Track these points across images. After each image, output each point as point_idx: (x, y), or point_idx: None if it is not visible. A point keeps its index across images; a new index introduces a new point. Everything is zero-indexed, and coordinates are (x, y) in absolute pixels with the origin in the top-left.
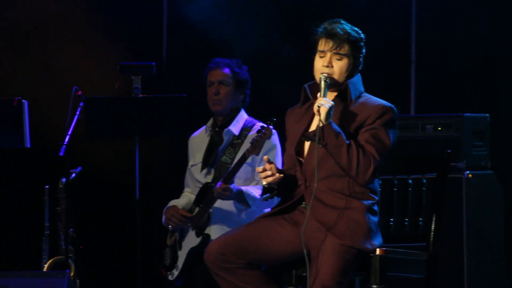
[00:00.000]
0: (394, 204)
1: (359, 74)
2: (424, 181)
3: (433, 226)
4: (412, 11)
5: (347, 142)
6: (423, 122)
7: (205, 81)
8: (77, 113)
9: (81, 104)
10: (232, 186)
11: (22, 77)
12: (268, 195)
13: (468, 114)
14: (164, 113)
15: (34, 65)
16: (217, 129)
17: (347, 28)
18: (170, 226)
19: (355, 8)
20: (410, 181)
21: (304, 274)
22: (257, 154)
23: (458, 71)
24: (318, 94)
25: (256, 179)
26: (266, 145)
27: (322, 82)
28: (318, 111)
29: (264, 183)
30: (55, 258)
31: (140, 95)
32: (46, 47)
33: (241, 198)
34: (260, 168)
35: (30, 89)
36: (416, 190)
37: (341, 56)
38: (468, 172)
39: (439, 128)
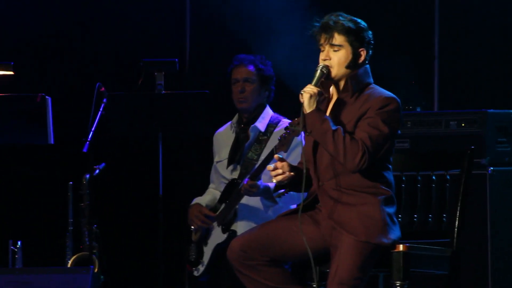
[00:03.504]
0: (418, 200)
1: (366, 66)
2: (448, 177)
3: (456, 223)
4: (435, 6)
5: (334, 128)
6: (446, 118)
7: (229, 78)
8: (100, 109)
9: (104, 100)
10: (259, 182)
11: (46, 74)
12: (280, 191)
13: (491, 110)
14: (187, 109)
15: (57, 61)
16: (242, 125)
17: (342, 19)
18: (192, 227)
19: (379, 3)
20: (433, 177)
21: (327, 270)
22: (286, 151)
23: (482, 67)
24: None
25: None
26: (293, 142)
27: (318, 71)
28: (301, 97)
29: (274, 181)
30: (79, 254)
31: (163, 91)
32: (69, 43)
33: (268, 194)
34: (270, 167)
35: (54, 85)
36: (440, 186)
37: (337, 47)
38: (491, 168)
39: (463, 124)
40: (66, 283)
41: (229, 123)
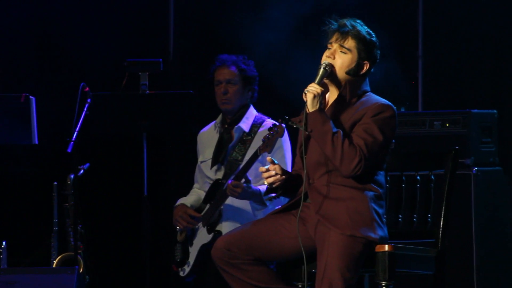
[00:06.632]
0: (403, 200)
1: (367, 78)
2: (432, 177)
3: (441, 223)
4: (419, 5)
5: (334, 130)
6: (430, 118)
7: (212, 79)
8: (85, 109)
9: (89, 100)
10: (251, 185)
11: (30, 73)
12: (272, 195)
13: (475, 110)
14: (171, 109)
15: (41, 61)
16: (226, 126)
17: (358, 26)
18: (178, 228)
19: (363, 2)
20: (418, 178)
21: (314, 270)
22: (269, 152)
23: (466, 67)
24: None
25: None
26: (277, 143)
27: (322, 69)
28: (305, 96)
29: (266, 183)
30: (64, 254)
31: (147, 92)
32: (54, 43)
33: (258, 198)
34: (263, 168)
35: (38, 85)
36: (424, 186)
37: (345, 50)
38: (476, 168)
39: (447, 125)
40: (51, 284)
41: (213, 122)
